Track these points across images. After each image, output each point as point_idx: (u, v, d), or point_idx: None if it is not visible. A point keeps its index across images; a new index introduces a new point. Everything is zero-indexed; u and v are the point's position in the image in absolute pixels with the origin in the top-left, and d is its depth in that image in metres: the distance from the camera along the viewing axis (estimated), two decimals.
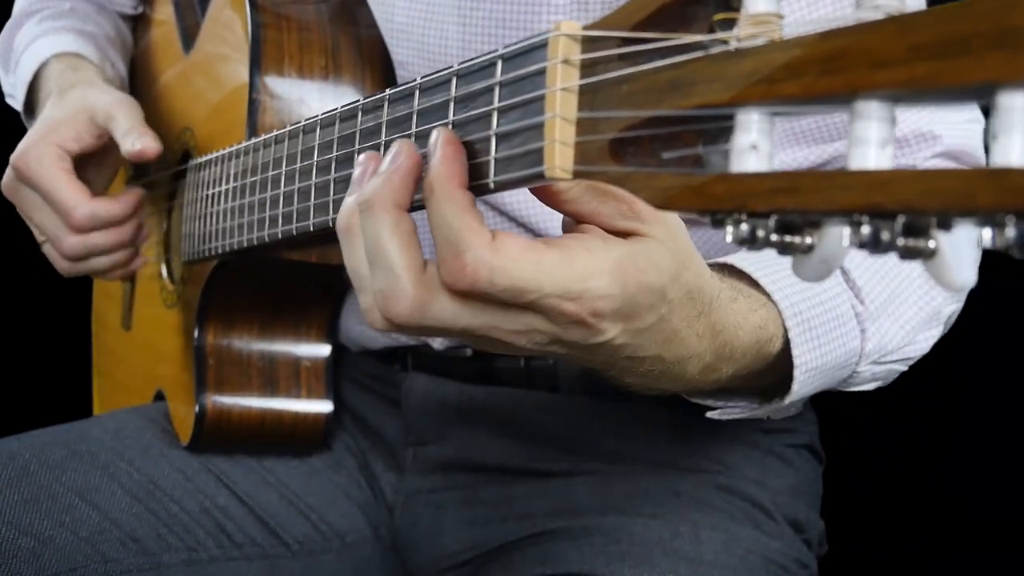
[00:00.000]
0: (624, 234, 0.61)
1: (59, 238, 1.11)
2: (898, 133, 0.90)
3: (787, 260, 0.78)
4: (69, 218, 1.09)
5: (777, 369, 0.79)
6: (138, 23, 1.40)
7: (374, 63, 1.04)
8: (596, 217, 0.60)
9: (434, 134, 0.59)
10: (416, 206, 0.61)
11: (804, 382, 0.79)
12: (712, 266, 0.76)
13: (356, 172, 0.64)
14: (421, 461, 1.12)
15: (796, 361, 0.78)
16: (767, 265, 0.79)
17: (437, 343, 1.09)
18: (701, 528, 0.98)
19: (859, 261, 0.85)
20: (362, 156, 0.64)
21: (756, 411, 0.83)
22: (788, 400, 0.80)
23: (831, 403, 1.05)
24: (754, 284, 0.78)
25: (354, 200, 0.63)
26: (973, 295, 0.96)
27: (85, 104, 1.13)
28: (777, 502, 1.05)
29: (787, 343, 0.77)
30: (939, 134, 0.90)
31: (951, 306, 0.92)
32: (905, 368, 0.90)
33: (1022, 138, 0.37)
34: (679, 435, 1.05)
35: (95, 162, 1.15)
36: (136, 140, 1.08)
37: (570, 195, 0.59)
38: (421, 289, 0.60)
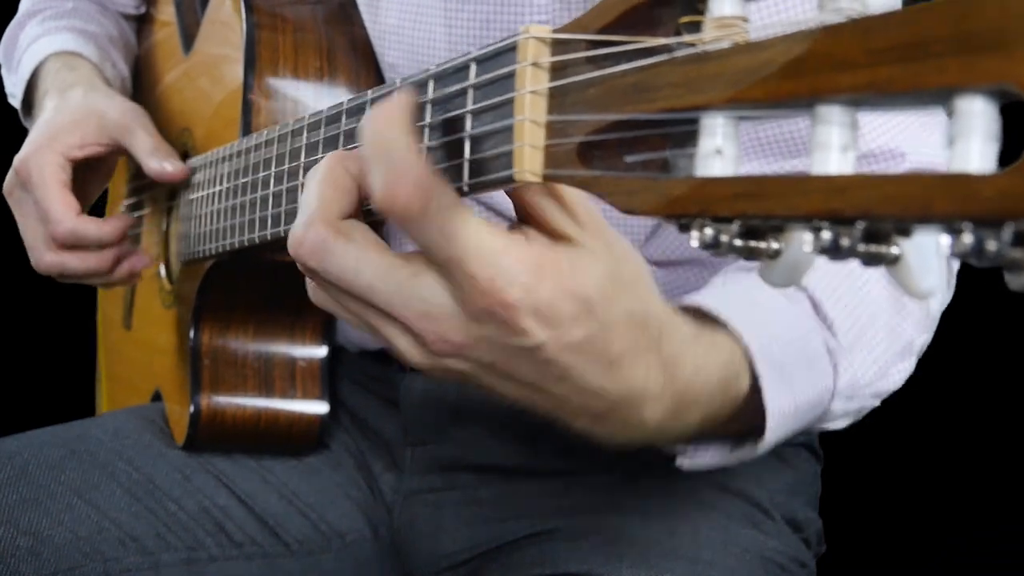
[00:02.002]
0: (556, 234, 0.58)
1: (38, 251, 1.13)
2: (868, 147, 0.87)
3: (757, 294, 0.76)
4: (52, 230, 1.10)
5: (747, 413, 0.74)
6: (142, 23, 1.40)
7: (369, 64, 1.04)
8: (536, 208, 0.58)
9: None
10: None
11: (776, 429, 0.75)
12: (677, 308, 0.71)
13: None
14: (420, 461, 1.12)
15: (769, 408, 0.73)
16: (735, 304, 0.74)
17: None
18: (699, 527, 0.97)
19: (830, 292, 0.80)
20: None
21: (728, 458, 0.78)
22: (761, 449, 0.76)
23: None
24: (721, 325, 0.72)
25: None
26: (972, 296, 0.95)
27: (91, 109, 1.14)
28: (775, 501, 1.04)
29: (756, 386, 0.72)
30: (904, 152, 0.87)
31: (922, 336, 0.87)
32: (877, 403, 0.86)
33: (980, 143, 0.37)
34: None
35: (92, 167, 1.16)
36: (165, 163, 1.09)
37: None
38: (328, 227, 0.59)
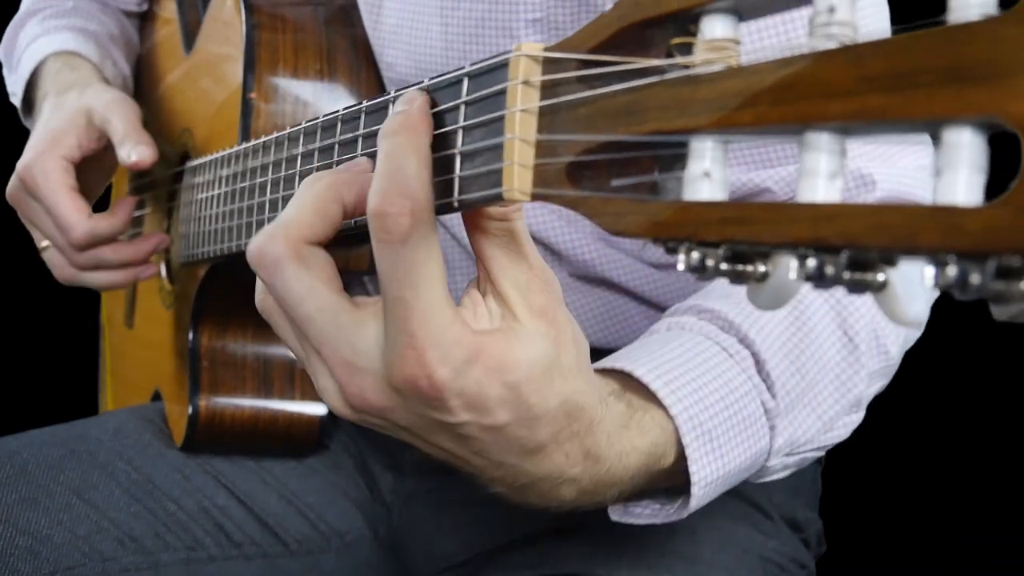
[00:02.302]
0: (505, 305, 0.59)
1: (69, 250, 1.13)
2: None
3: (697, 352, 0.76)
4: (68, 236, 1.10)
5: (675, 477, 0.74)
6: (144, 21, 1.40)
7: (369, 65, 1.03)
8: (492, 263, 0.59)
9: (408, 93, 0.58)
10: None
11: (703, 496, 0.75)
12: (608, 371, 0.72)
13: None
14: (419, 461, 1.12)
15: (694, 478, 0.73)
16: (671, 369, 0.74)
17: None
18: (698, 527, 0.97)
19: (776, 348, 0.79)
20: None
21: (658, 518, 0.78)
22: (688, 512, 0.76)
23: None
24: (653, 397, 0.72)
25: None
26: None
27: (82, 107, 1.14)
28: (775, 501, 1.04)
29: (683, 454, 0.73)
30: (876, 179, 0.86)
31: (876, 386, 0.86)
32: (821, 454, 0.86)
33: (967, 175, 0.36)
34: None
35: (95, 162, 1.16)
36: (131, 151, 1.08)
37: (489, 225, 0.58)
38: (288, 247, 0.58)
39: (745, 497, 1.03)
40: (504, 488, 0.65)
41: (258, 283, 0.64)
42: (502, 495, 0.66)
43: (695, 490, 0.74)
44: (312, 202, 0.59)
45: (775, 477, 0.84)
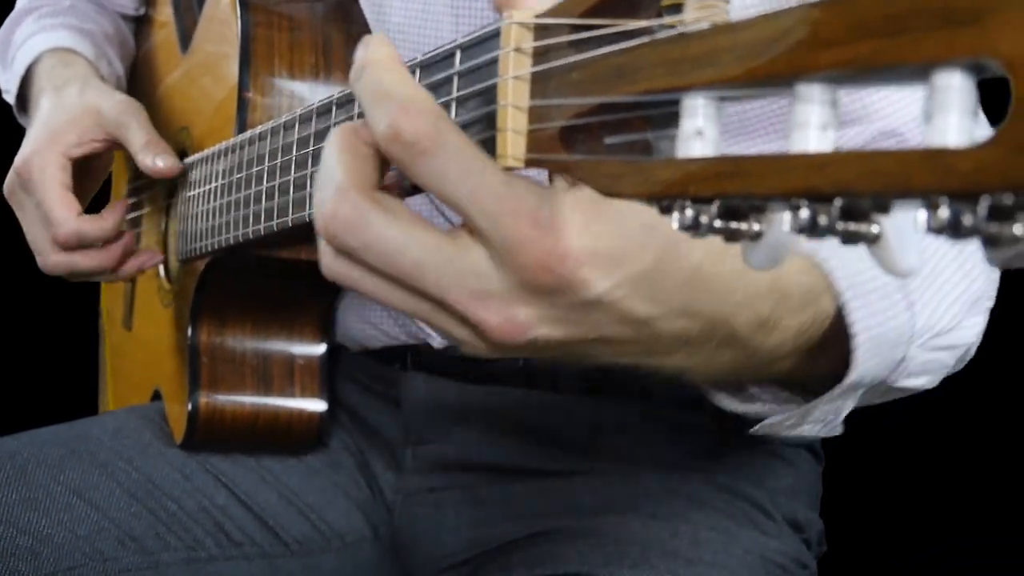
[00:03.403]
0: None
1: (44, 253, 1.14)
2: (869, 135, 0.82)
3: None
4: (55, 232, 1.11)
5: (829, 349, 0.66)
6: (141, 25, 1.41)
7: None
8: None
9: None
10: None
11: (866, 354, 0.66)
12: None
13: None
14: (420, 461, 1.11)
15: (856, 327, 0.64)
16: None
17: (436, 341, 1.08)
18: (700, 528, 0.97)
19: None
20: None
21: (805, 410, 0.70)
22: (849, 380, 0.66)
23: None
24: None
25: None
26: None
27: (88, 106, 1.14)
28: (776, 502, 1.04)
29: (839, 312, 0.65)
30: (902, 132, 0.82)
31: (990, 294, 0.79)
32: (953, 362, 0.78)
33: (957, 118, 0.36)
34: (679, 435, 1.04)
35: (89, 162, 1.16)
36: (157, 158, 1.09)
37: None
38: (365, 197, 0.52)
39: (747, 497, 1.03)
40: (680, 358, 0.59)
41: (321, 247, 0.56)
42: (682, 368, 0.60)
43: (860, 340, 0.65)
44: (341, 153, 0.53)
45: (916, 382, 0.76)
